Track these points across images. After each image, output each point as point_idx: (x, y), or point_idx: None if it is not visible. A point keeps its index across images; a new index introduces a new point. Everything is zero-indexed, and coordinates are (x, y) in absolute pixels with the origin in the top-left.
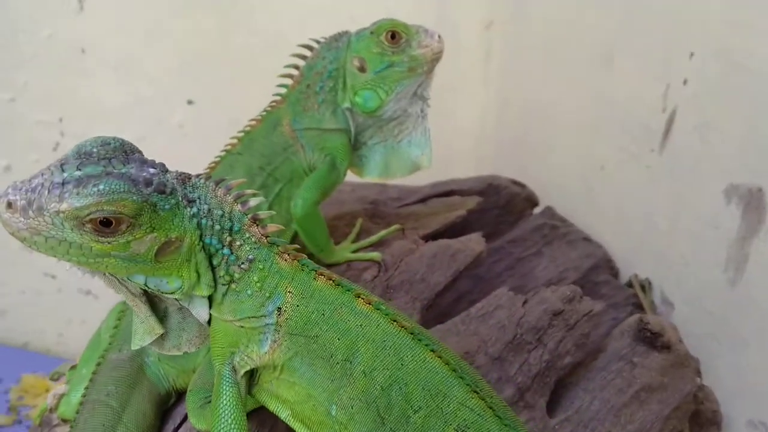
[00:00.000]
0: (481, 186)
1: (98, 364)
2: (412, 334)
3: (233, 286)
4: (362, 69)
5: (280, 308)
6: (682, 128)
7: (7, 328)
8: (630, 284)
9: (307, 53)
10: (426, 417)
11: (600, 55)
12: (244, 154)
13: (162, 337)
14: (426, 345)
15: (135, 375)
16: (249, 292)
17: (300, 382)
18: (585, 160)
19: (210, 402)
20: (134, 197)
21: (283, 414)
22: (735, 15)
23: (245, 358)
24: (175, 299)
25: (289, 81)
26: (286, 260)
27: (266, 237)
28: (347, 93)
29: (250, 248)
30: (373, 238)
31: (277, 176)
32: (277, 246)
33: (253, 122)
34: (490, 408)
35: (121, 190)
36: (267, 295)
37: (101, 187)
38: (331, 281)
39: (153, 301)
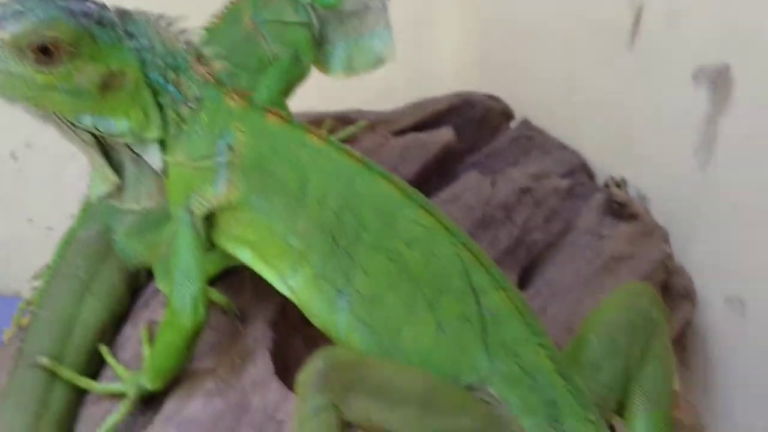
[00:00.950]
0: (457, 102)
1: (66, 242)
2: (362, 163)
3: (183, 126)
4: None
5: (232, 146)
6: (650, 20)
7: None
8: (606, 185)
9: None
10: (377, 235)
11: None
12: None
13: (120, 191)
14: (377, 173)
15: (104, 251)
16: (199, 131)
17: (258, 218)
18: (559, 71)
19: None
20: (72, 24)
21: (245, 256)
22: None
23: (201, 200)
24: (128, 146)
25: None
26: (235, 100)
27: (212, 76)
28: None
29: (197, 87)
30: (341, 134)
31: (241, 66)
32: (225, 86)
33: (215, 19)
34: (441, 224)
35: (59, 16)
36: (217, 133)
37: (39, 14)
38: (281, 118)
39: (108, 154)
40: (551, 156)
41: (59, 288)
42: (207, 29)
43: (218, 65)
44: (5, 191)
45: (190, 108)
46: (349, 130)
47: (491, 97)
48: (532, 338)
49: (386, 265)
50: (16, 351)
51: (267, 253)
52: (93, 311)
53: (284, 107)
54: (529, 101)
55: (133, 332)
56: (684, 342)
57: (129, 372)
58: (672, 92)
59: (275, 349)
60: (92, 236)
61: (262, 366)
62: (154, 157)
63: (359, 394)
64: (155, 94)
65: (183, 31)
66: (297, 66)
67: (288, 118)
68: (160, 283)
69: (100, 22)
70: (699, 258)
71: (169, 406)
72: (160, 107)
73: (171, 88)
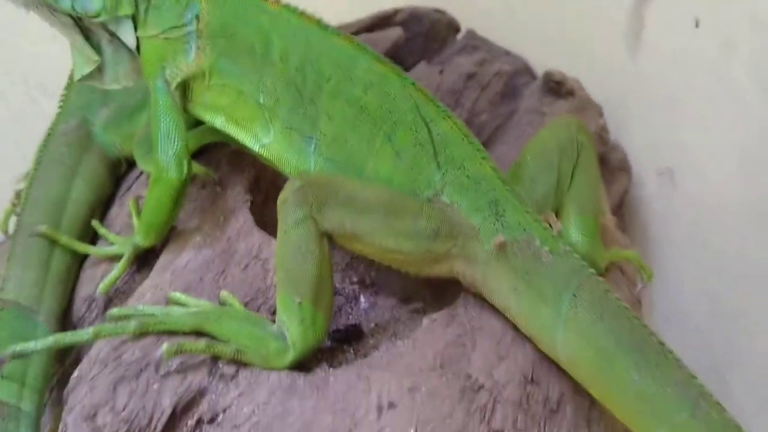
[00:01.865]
0: (404, 16)
1: (49, 135)
2: (318, 25)
3: (152, 1)
4: None
5: (198, 15)
6: None
7: None
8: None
9: None
10: (336, 84)
11: None
12: None
13: (100, 72)
14: (332, 31)
15: (84, 141)
16: (167, 4)
17: (229, 82)
18: None
19: None
20: None
21: (219, 121)
22: None
23: (175, 70)
24: (103, 24)
25: None
26: None
27: None
28: None
29: None
30: None
31: None
32: None
33: None
34: (392, 70)
35: None
36: (184, 4)
37: None
38: None
39: (88, 38)
40: (497, 62)
41: (47, 172)
42: None
43: None
44: None
45: None
46: None
47: (437, 11)
48: (476, 154)
49: (346, 108)
50: (15, 225)
51: (239, 116)
52: (81, 191)
53: None
54: (472, 10)
55: (120, 211)
56: (622, 211)
57: (122, 237)
58: None
59: (253, 209)
60: (72, 128)
61: (243, 219)
62: (127, 34)
63: (333, 206)
64: None
65: None
66: None
67: None
68: (141, 164)
69: None
70: (632, 135)
71: (163, 259)
72: None
73: None
